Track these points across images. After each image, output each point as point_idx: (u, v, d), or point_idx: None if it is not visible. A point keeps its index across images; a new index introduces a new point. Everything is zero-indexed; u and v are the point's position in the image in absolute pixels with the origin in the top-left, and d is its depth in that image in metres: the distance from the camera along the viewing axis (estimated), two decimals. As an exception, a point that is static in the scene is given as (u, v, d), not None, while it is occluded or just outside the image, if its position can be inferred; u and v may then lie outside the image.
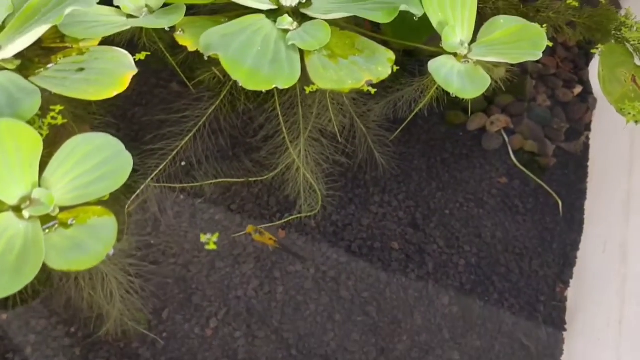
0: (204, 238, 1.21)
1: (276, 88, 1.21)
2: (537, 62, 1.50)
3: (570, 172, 1.40)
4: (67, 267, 0.95)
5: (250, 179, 1.30)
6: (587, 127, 1.48)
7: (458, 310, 1.21)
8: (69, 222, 1.02)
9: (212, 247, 1.20)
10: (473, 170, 1.39)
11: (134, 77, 1.20)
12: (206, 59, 1.18)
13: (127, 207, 1.18)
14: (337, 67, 1.21)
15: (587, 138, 1.45)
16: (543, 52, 1.34)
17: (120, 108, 1.25)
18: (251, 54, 1.17)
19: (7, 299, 1.09)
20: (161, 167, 1.25)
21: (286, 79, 1.16)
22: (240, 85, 1.16)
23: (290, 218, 1.27)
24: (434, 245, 1.27)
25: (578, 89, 1.51)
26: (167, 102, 1.34)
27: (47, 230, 1.02)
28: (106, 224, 1.00)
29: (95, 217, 1.02)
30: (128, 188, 1.20)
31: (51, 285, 1.13)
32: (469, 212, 1.32)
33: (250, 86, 1.15)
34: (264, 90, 1.21)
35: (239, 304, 1.17)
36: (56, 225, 1.02)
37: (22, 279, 0.89)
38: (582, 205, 1.35)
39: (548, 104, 1.48)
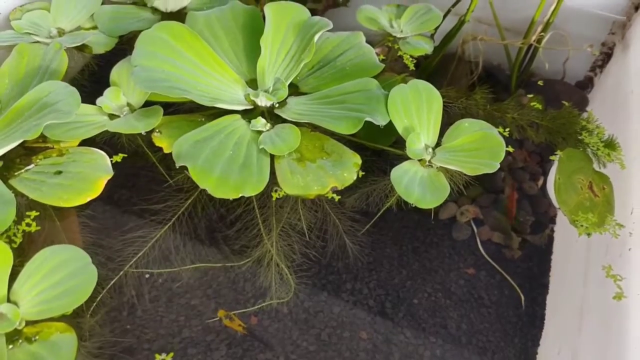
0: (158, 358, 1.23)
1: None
2: (507, 154, 1.57)
3: (534, 265, 1.46)
4: None
5: (227, 264, 1.35)
6: (552, 221, 1.54)
7: (422, 402, 1.25)
8: (33, 338, 1.06)
9: None
10: (442, 259, 1.44)
11: (120, 170, 1.25)
12: (177, 167, 1.23)
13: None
14: (304, 172, 1.26)
15: (552, 231, 1.51)
16: (513, 146, 1.41)
17: (102, 200, 1.30)
18: (221, 160, 1.22)
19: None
20: (140, 253, 1.30)
21: (254, 186, 1.21)
22: (208, 192, 1.21)
23: (264, 304, 1.31)
24: (400, 335, 1.32)
25: (541, 181, 1.58)
26: (148, 193, 1.39)
27: (11, 346, 1.06)
28: (67, 341, 1.04)
29: (58, 332, 1.05)
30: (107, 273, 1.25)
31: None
32: (436, 302, 1.37)
33: (218, 194, 1.19)
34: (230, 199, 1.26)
35: (210, 394, 1.21)
36: (20, 341, 1.06)
37: None
38: (544, 300, 1.40)
39: (516, 197, 1.54)
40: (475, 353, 1.31)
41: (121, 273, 1.26)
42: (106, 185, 1.24)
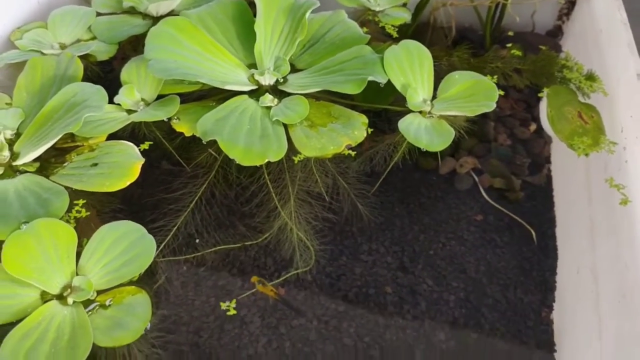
0: (224, 306, 1.28)
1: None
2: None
3: (538, 203, 1.53)
4: (113, 343, 1.03)
5: (247, 243, 1.38)
6: (547, 160, 1.61)
7: (455, 344, 1.30)
8: (107, 303, 1.10)
9: (232, 312, 1.27)
10: (450, 210, 1.50)
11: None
12: (205, 143, 1.28)
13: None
14: (318, 135, 1.32)
15: (549, 170, 1.58)
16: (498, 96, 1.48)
17: (124, 190, 1.33)
18: (242, 133, 1.29)
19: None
20: (165, 242, 1.33)
21: (276, 152, 1.28)
22: (236, 162, 1.26)
23: (288, 275, 1.35)
24: (423, 285, 1.37)
25: (533, 126, 1.65)
26: (166, 182, 1.43)
27: (89, 313, 1.10)
28: (140, 301, 1.09)
29: (130, 296, 1.10)
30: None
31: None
32: (451, 250, 1.43)
33: (246, 162, 1.25)
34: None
35: (251, 363, 1.24)
36: (97, 307, 1.10)
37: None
38: (554, 233, 1.47)
39: (509, 143, 1.61)
40: (497, 291, 1.37)
41: (150, 263, 1.28)
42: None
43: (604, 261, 1.31)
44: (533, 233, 1.45)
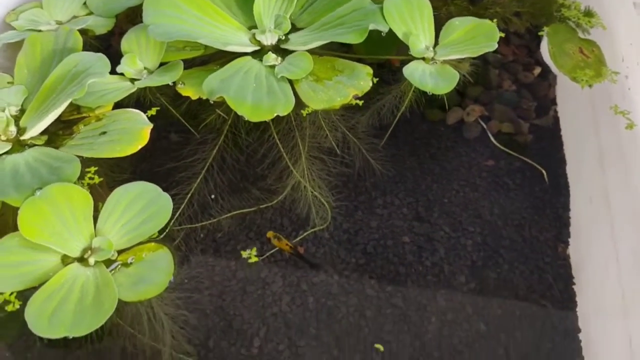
0: (245, 254, 1.30)
1: (270, 120, 1.32)
2: (495, 52, 1.64)
3: (547, 144, 1.53)
4: (138, 298, 1.05)
5: (261, 206, 1.40)
6: (553, 102, 1.61)
7: (475, 286, 1.31)
8: (129, 261, 1.12)
9: (254, 259, 1.30)
10: (460, 159, 1.51)
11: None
12: (212, 102, 1.29)
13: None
14: (324, 88, 1.33)
15: (555, 111, 1.58)
16: (499, 43, 1.49)
17: (133, 162, 1.35)
18: (249, 91, 1.30)
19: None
20: (180, 210, 1.35)
21: (284, 107, 1.29)
22: (245, 119, 1.27)
23: (305, 234, 1.37)
24: (440, 232, 1.38)
25: (537, 70, 1.65)
26: (176, 150, 1.44)
27: (112, 272, 1.12)
28: (162, 256, 1.11)
29: (151, 252, 1.12)
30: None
31: (103, 339, 1.21)
32: (465, 197, 1.44)
33: (255, 118, 1.26)
34: (268, 120, 1.32)
35: (276, 320, 1.26)
36: (119, 266, 1.12)
37: (102, 315, 0.98)
38: (564, 171, 1.48)
39: (514, 88, 1.61)
40: (513, 231, 1.38)
41: (167, 231, 1.30)
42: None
43: (615, 187, 1.32)
44: (544, 173, 1.46)
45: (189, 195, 1.37)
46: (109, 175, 1.33)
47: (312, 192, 1.38)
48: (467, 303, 1.29)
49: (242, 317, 1.26)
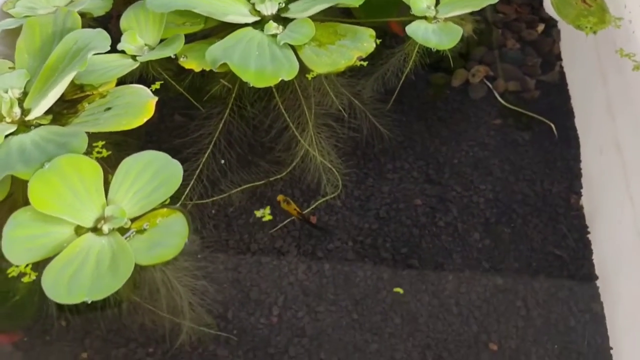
0: (259, 213, 1.33)
1: (275, 90, 1.32)
2: (498, 11, 1.63)
3: (555, 99, 1.52)
4: (154, 261, 1.05)
5: (271, 179, 1.40)
6: (558, 57, 1.60)
7: (490, 242, 1.31)
8: (144, 226, 1.13)
9: (268, 218, 1.32)
10: (468, 119, 1.50)
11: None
12: (215, 71, 1.29)
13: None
14: (328, 53, 1.34)
15: (561, 66, 1.57)
16: (500, 3, 1.48)
17: (140, 139, 1.36)
18: (252, 58, 1.30)
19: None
20: (189, 186, 1.36)
21: (288, 71, 1.29)
22: (250, 85, 1.28)
23: (317, 203, 1.37)
24: (452, 192, 1.38)
25: (541, 27, 1.64)
26: (181, 126, 1.45)
27: (126, 239, 1.13)
28: (176, 220, 1.12)
29: (164, 217, 1.13)
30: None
31: (122, 312, 1.22)
32: (475, 156, 1.43)
33: (260, 84, 1.27)
34: (273, 86, 1.31)
35: (293, 289, 1.27)
36: (133, 234, 1.13)
37: (120, 278, 0.99)
38: (573, 123, 1.47)
39: (518, 46, 1.60)
40: (524, 186, 1.38)
41: (178, 204, 1.31)
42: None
43: (625, 133, 1.31)
44: (553, 127, 1.45)
45: (198, 170, 1.37)
46: (114, 153, 1.33)
47: (321, 161, 1.38)
48: (483, 259, 1.29)
49: (259, 288, 1.26)
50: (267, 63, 1.29)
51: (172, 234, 1.11)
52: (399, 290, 1.24)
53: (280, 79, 1.28)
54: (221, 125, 1.42)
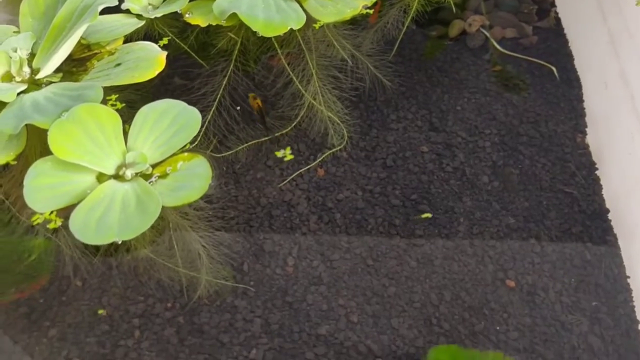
0: (279, 154, 1.35)
1: (277, 45, 1.32)
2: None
3: (553, 43, 1.53)
4: (180, 202, 1.05)
5: (277, 134, 1.40)
6: (552, 4, 1.61)
7: (499, 184, 1.32)
8: (167, 171, 1.12)
9: (289, 157, 1.34)
10: (468, 68, 1.51)
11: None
12: (223, 21, 1.28)
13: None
14: (333, 3, 1.33)
15: (556, 12, 1.58)
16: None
17: (148, 95, 1.34)
18: (259, 9, 1.29)
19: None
20: (196, 142, 1.34)
21: (296, 21, 1.28)
22: (259, 34, 1.26)
23: (324, 156, 1.37)
24: (457, 138, 1.38)
25: (534, -26, 1.65)
26: (187, 84, 1.44)
27: (150, 184, 1.12)
28: (198, 163, 1.11)
29: (186, 162, 1.12)
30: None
31: (139, 269, 1.21)
32: (477, 102, 1.44)
33: (269, 33, 1.26)
34: (281, 34, 1.29)
35: (306, 239, 1.27)
36: (156, 179, 1.12)
37: (149, 217, 0.99)
38: (573, 65, 1.48)
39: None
40: (530, 128, 1.39)
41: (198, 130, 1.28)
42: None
43: (631, 64, 1.32)
44: (554, 69, 1.46)
45: (204, 127, 1.36)
46: (126, 109, 1.31)
47: (328, 115, 1.38)
48: (493, 200, 1.30)
49: (273, 240, 1.26)
50: (274, 14, 1.28)
51: (195, 176, 1.10)
52: (428, 215, 1.24)
53: (289, 28, 1.27)
54: (225, 82, 1.41)
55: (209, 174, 1.10)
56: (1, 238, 1.22)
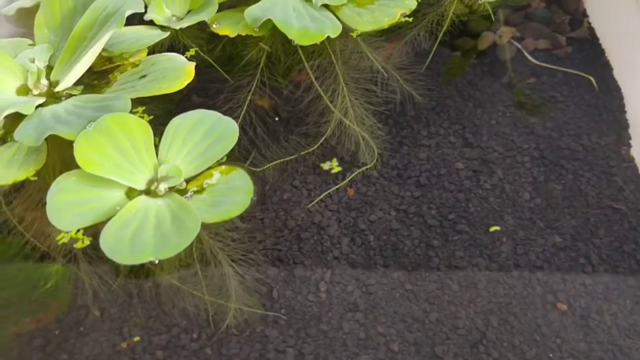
0: (325, 166, 1.29)
1: (305, 58, 1.26)
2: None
3: (588, 53, 1.47)
4: (220, 218, 0.97)
5: (302, 153, 1.32)
6: (584, 14, 1.55)
7: (541, 201, 1.24)
8: (203, 185, 1.04)
9: (336, 169, 1.28)
10: (500, 81, 1.44)
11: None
12: (256, 29, 1.22)
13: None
14: (369, 12, 1.29)
15: (589, 22, 1.52)
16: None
17: (168, 113, 1.27)
18: (293, 17, 1.23)
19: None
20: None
21: (332, 29, 1.24)
22: (294, 43, 1.21)
23: (353, 175, 1.30)
24: (494, 153, 1.31)
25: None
26: (212, 98, 1.37)
27: (185, 199, 1.04)
28: (238, 176, 1.03)
29: (225, 175, 1.04)
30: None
31: (162, 297, 1.13)
32: (513, 116, 1.37)
33: (305, 42, 1.21)
34: (317, 43, 1.25)
35: (339, 263, 1.19)
36: (191, 194, 1.04)
37: (188, 235, 0.91)
38: (612, 75, 1.42)
39: (543, 5, 1.54)
40: (571, 141, 1.32)
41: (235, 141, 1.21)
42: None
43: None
44: (592, 80, 1.39)
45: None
46: (153, 121, 1.25)
47: (360, 132, 1.31)
48: (536, 218, 1.22)
49: (303, 265, 1.19)
50: (309, 23, 1.24)
51: (235, 190, 1.02)
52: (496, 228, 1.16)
53: (326, 36, 1.21)
54: (249, 98, 1.34)
55: (251, 187, 1.02)
56: (15, 264, 1.15)
